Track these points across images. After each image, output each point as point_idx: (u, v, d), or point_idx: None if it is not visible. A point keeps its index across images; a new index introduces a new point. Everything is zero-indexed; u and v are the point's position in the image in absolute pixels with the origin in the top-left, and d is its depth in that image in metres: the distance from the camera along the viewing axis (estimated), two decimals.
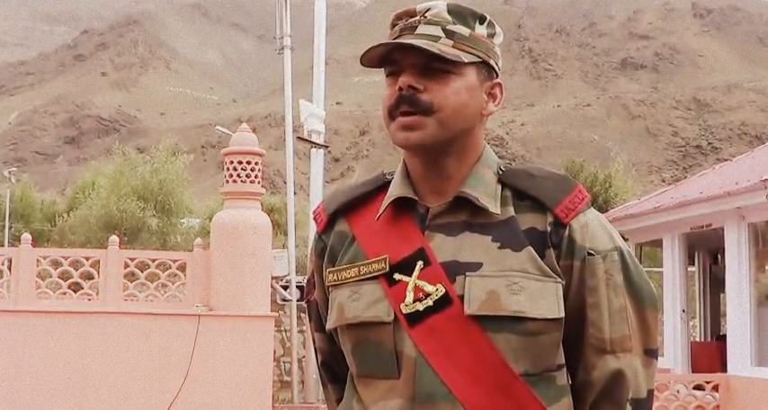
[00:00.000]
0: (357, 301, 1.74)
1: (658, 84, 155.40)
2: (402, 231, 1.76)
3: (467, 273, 1.68)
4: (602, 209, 28.65)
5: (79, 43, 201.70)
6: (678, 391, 11.13)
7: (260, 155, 11.53)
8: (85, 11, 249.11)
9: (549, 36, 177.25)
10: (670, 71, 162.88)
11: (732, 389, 11.06)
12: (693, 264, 14.83)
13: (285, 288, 14.19)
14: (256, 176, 11.39)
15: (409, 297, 1.70)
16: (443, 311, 1.68)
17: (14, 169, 48.26)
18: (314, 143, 13.83)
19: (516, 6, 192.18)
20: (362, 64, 1.78)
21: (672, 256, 13.14)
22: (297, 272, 14.29)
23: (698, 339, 15.03)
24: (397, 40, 1.74)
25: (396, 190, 1.79)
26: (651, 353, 1.77)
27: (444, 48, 1.72)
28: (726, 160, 18.84)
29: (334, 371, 1.94)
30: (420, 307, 1.69)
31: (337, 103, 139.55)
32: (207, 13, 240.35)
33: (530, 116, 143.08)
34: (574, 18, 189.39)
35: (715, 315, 15.16)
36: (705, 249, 14.49)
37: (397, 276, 1.72)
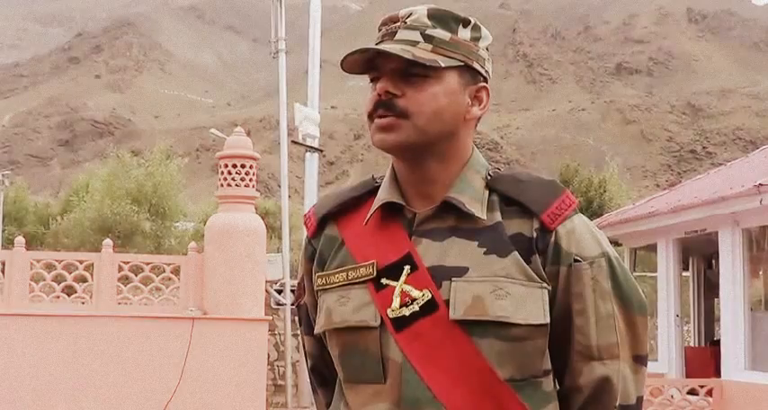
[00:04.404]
0: (345, 306, 1.74)
1: (653, 89, 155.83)
2: (390, 236, 1.76)
3: (452, 278, 1.68)
4: (597, 213, 28.67)
5: (74, 45, 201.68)
6: (672, 396, 11.14)
7: (254, 158, 11.53)
8: (80, 13, 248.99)
9: (543, 40, 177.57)
10: (665, 76, 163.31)
11: (726, 394, 11.07)
12: (688, 269, 14.85)
13: (279, 291, 14.19)
14: (251, 180, 11.39)
15: (396, 301, 1.70)
16: (429, 316, 1.68)
17: (8, 172, 48.06)
18: (308, 147, 13.82)
19: (511, 10, 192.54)
20: (344, 70, 1.79)
21: (666, 261, 13.15)
22: (291, 276, 14.29)
23: (692, 344, 15.05)
24: (372, 46, 1.74)
25: (383, 195, 1.79)
26: (640, 360, 1.77)
27: (421, 52, 1.72)
28: (720, 165, 18.87)
29: (323, 376, 1.94)
30: (406, 311, 1.69)
31: (332, 107, 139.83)
32: (202, 15, 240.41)
33: (524, 120, 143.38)
34: (569, 22, 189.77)
35: (709, 319, 15.18)
36: (699, 254, 14.50)
37: (384, 281, 1.72)
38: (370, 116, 1.76)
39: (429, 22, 1.75)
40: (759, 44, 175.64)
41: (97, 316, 10.85)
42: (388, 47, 1.72)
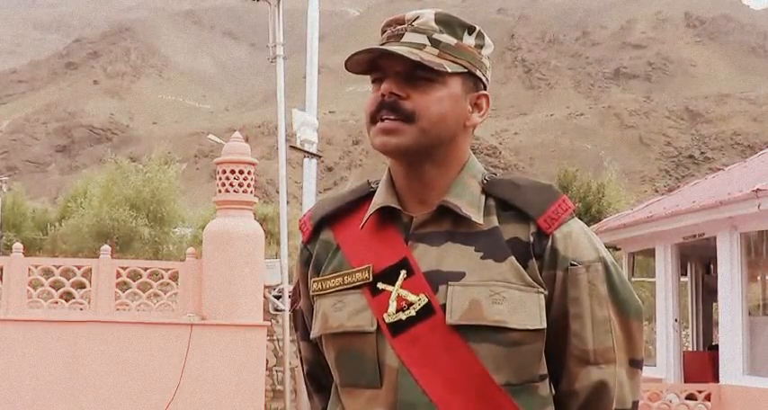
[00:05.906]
0: (341, 310, 1.74)
1: (651, 94, 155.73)
2: (386, 240, 1.76)
3: (449, 283, 1.68)
4: (595, 218, 28.69)
5: (71, 51, 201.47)
6: (670, 401, 11.14)
7: (252, 164, 11.54)
8: (78, 19, 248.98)
9: (542, 45, 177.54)
10: (663, 81, 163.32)
11: (724, 398, 11.06)
12: (686, 274, 14.85)
13: (278, 297, 14.17)
14: (249, 185, 11.40)
15: (392, 306, 1.70)
16: (426, 321, 1.68)
17: (6, 178, 48.19)
18: (307, 152, 13.79)
19: (509, 16, 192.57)
20: (347, 69, 1.78)
21: (664, 266, 13.15)
22: (289, 282, 14.26)
23: (690, 349, 15.04)
24: (380, 47, 1.74)
25: (380, 199, 1.79)
26: (636, 364, 1.77)
27: (428, 56, 1.72)
28: (718, 170, 18.88)
29: (319, 381, 1.94)
30: (403, 316, 1.69)
31: (330, 112, 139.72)
32: (199, 20, 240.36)
33: (523, 125, 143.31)
34: (567, 28, 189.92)
35: (707, 324, 15.17)
36: (697, 259, 14.49)
37: (380, 285, 1.72)
38: (372, 117, 1.76)
39: (436, 27, 1.76)
40: (757, 49, 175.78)
41: (95, 322, 10.84)
42: (395, 48, 1.72)
